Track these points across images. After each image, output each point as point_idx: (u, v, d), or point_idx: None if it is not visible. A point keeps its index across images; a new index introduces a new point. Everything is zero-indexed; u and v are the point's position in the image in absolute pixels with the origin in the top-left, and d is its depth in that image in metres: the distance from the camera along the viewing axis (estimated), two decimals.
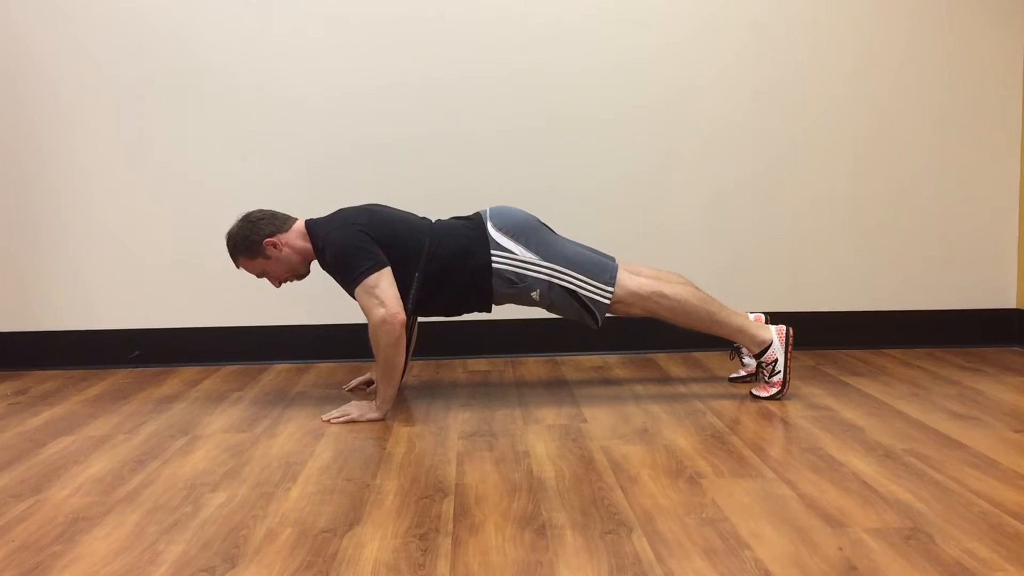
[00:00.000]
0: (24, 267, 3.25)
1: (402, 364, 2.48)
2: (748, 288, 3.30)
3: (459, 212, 3.21)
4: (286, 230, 2.57)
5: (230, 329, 3.27)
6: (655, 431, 2.32)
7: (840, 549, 1.57)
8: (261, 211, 2.60)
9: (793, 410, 2.50)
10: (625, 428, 2.36)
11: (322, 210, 3.21)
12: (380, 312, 2.39)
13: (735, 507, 1.78)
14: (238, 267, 2.63)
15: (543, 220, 2.67)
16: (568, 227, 3.25)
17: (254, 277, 2.66)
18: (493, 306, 2.62)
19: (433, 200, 3.22)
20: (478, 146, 3.24)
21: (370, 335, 2.42)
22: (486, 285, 2.54)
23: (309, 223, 2.59)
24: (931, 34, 3.26)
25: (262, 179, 3.23)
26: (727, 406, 2.56)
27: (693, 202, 3.30)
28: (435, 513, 1.78)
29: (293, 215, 2.63)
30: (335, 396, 2.78)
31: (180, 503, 1.87)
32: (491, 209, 2.63)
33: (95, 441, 2.34)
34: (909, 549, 1.56)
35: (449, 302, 2.63)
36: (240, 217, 2.59)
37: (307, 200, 3.21)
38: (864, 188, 3.32)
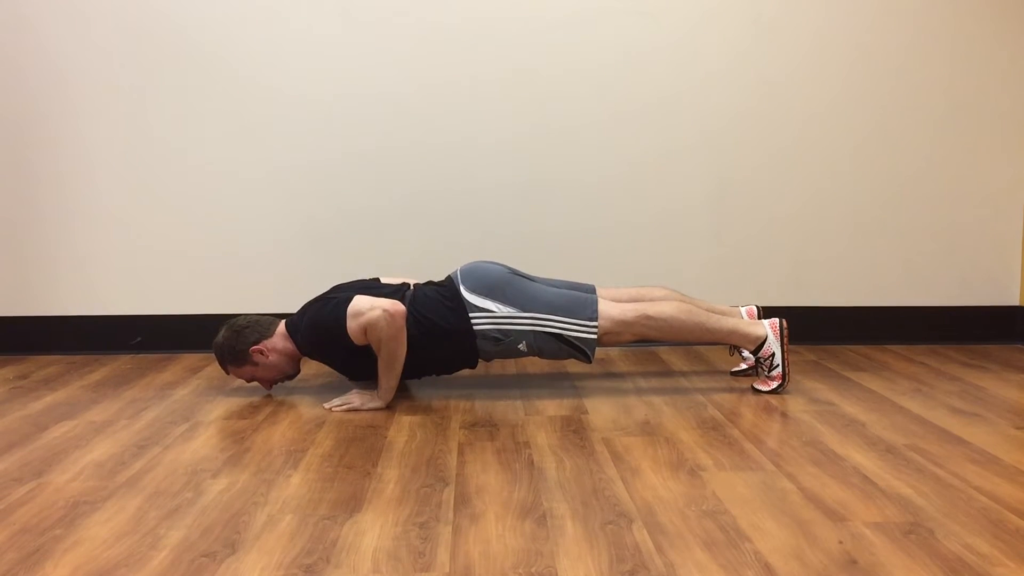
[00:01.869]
0: (27, 252, 3.25)
1: (403, 356, 2.48)
2: (750, 282, 3.30)
3: (460, 209, 3.24)
4: (270, 335, 2.59)
5: (233, 316, 3.26)
6: (656, 423, 2.32)
7: (840, 543, 1.57)
8: (246, 318, 2.64)
9: (794, 404, 2.49)
10: (626, 420, 2.36)
11: (322, 204, 3.24)
12: (376, 312, 2.39)
13: (735, 499, 1.78)
14: (228, 374, 2.67)
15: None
16: (570, 223, 3.26)
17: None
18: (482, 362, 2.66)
19: (434, 197, 3.24)
20: (479, 140, 3.23)
21: (371, 336, 2.43)
22: (471, 347, 2.56)
23: (288, 323, 2.62)
24: (935, 29, 3.24)
25: (265, 169, 3.22)
26: (728, 399, 2.56)
27: (695, 196, 3.29)
28: (436, 502, 1.78)
29: (278, 318, 2.66)
30: (337, 384, 2.79)
31: (181, 488, 1.87)
32: (461, 271, 2.63)
33: (97, 426, 2.34)
34: (909, 543, 1.56)
35: (438, 366, 2.67)
36: (226, 326, 2.62)
37: (308, 193, 3.23)
38: (867, 183, 3.31)
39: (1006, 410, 2.43)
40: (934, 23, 3.24)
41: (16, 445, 2.19)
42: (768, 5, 3.22)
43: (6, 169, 3.22)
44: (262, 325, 2.61)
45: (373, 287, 2.63)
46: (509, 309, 2.54)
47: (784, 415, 2.40)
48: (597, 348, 2.58)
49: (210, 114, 3.21)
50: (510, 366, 3.03)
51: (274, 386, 2.69)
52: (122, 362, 3.13)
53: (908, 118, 3.28)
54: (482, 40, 3.20)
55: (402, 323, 2.41)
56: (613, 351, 3.23)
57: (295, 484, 1.90)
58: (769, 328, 2.58)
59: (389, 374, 2.47)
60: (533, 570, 1.48)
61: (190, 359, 3.17)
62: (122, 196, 3.23)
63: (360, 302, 2.44)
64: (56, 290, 3.27)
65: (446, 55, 3.20)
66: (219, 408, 2.52)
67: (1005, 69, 3.26)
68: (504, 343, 2.55)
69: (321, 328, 2.50)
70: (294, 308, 3.13)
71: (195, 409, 2.51)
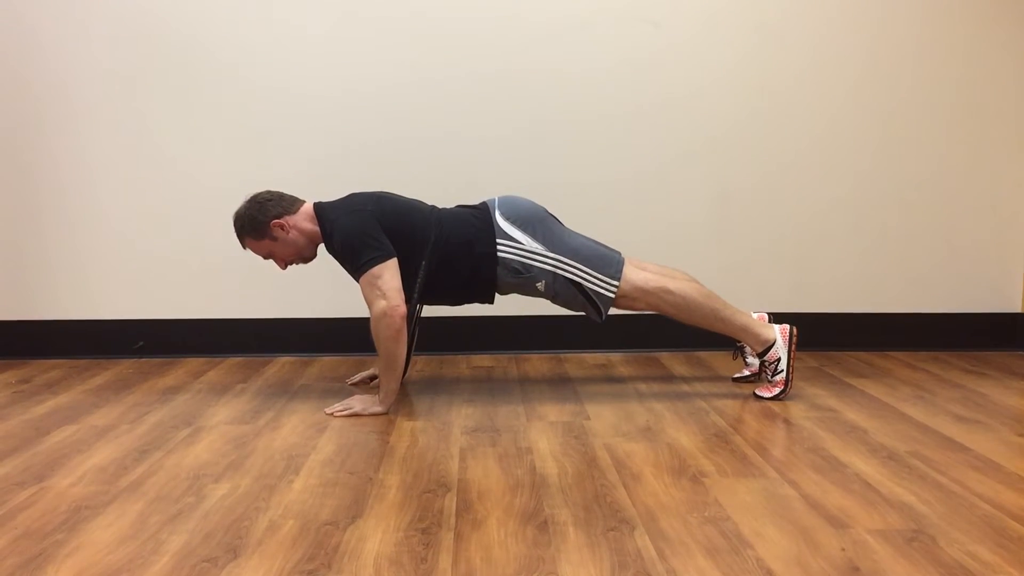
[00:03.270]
0: (29, 257, 3.26)
1: (403, 357, 2.47)
2: (753, 288, 3.30)
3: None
4: (294, 212, 2.56)
5: (234, 321, 3.27)
6: (658, 429, 2.32)
7: (843, 550, 1.57)
8: (269, 192, 2.59)
9: (796, 410, 2.49)
10: (628, 426, 2.36)
11: None
12: (381, 304, 2.39)
13: (738, 506, 1.77)
14: (244, 247, 2.62)
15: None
16: (574, 224, 3.26)
17: (259, 266, 2.66)
18: (496, 298, 2.62)
19: (437, 199, 3.23)
20: (483, 144, 3.24)
21: (371, 327, 2.42)
22: (491, 274, 2.53)
23: (318, 206, 2.59)
24: (938, 37, 3.25)
25: (266, 172, 3.22)
26: (730, 405, 2.56)
27: (699, 201, 3.29)
28: (437, 508, 1.78)
29: (302, 198, 2.62)
30: (339, 390, 2.79)
31: (183, 493, 1.87)
32: (499, 198, 2.62)
33: (99, 430, 2.34)
34: (912, 551, 1.56)
35: (454, 291, 2.62)
36: (248, 198, 2.58)
37: (309, 196, 3.22)
38: (870, 190, 3.31)
39: (1008, 417, 2.43)
40: (937, 31, 3.25)
41: (18, 449, 2.19)
42: (771, 12, 3.22)
43: (7, 174, 3.22)
44: (286, 200, 2.57)
45: (406, 210, 2.56)
46: (537, 245, 2.53)
47: (786, 421, 2.40)
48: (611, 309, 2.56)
49: (211, 118, 3.21)
50: (512, 370, 3.03)
51: (288, 267, 2.63)
52: (124, 366, 3.13)
53: (911, 126, 3.29)
54: (484, 46, 3.21)
55: (401, 324, 2.41)
56: (615, 356, 3.23)
57: (297, 489, 1.90)
58: (779, 333, 2.58)
59: (389, 376, 2.47)
60: None
61: (192, 363, 3.17)
62: (124, 200, 3.24)
63: (380, 275, 2.40)
64: (58, 294, 3.27)
65: (447, 61, 3.21)
66: (221, 413, 2.52)
67: (1009, 76, 3.26)
68: (524, 277, 2.53)
69: (344, 247, 2.46)
70: (297, 313, 3.15)
71: (197, 414, 2.51)
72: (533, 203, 2.63)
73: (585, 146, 3.26)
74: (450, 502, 1.81)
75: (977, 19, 3.24)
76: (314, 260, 2.66)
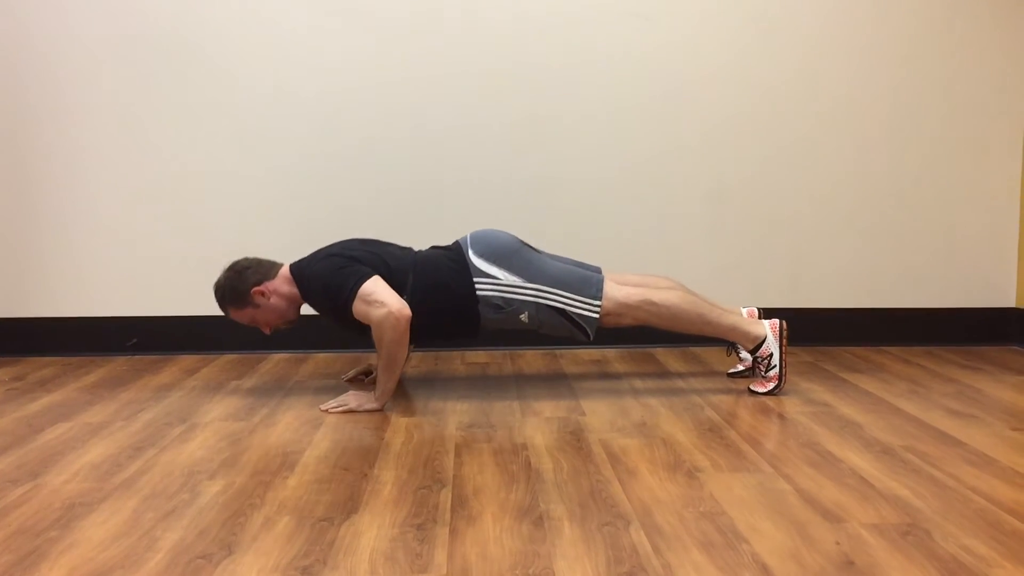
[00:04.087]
0: (23, 254, 3.25)
1: (404, 358, 2.47)
2: (748, 284, 3.30)
3: (458, 208, 3.23)
4: (272, 277, 2.57)
5: (229, 318, 3.26)
6: (653, 425, 2.32)
7: (837, 544, 1.57)
8: (247, 260, 2.61)
9: (791, 406, 2.50)
10: (623, 421, 2.36)
11: (320, 204, 3.23)
12: (383, 311, 2.37)
13: (733, 501, 1.77)
14: (228, 317, 2.64)
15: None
16: (568, 223, 3.26)
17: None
18: (481, 331, 2.60)
19: (433, 197, 3.23)
20: (476, 143, 3.23)
21: (374, 333, 2.41)
22: (473, 313, 2.53)
23: (294, 267, 2.59)
24: (933, 32, 3.25)
25: (261, 169, 3.22)
26: (725, 401, 2.56)
27: (694, 197, 3.29)
28: (433, 503, 1.78)
29: (280, 261, 2.63)
30: (333, 386, 2.78)
31: (177, 490, 1.87)
32: (471, 236, 2.62)
33: (93, 428, 2.34)
34: (907, 545, 1.56)
35: (438, 332, 2.63)
36: (227, 267, 2.60)
37: (306, 193, 3.22)
38: (865, 185, 3.31)
39: (1002, 411, 2.43)
40: (932, 26, 3.25)
41: (12, 447, 2.18)
42: (765, 6, 3.22)
43: (1, 172, 3.21)
44: (264, 267, 2.58)
45: (380, 253, 2.57)
46: (514, 278, 2.52)
47: (781, 416, 2.40)
48: (596, 335, 2.56)
49: (206, 115, 3.20)
50: (507, 366, 3.03)
51: (272, 331, 2.65)
52: (118, 364, 3.13)
53: (906, 120, 3.29)
54: (481, 41, 3.20)
55: (406, 327, 2.40)
56: (610, 352, 3.23)
57: (292, 486, 1.89)
58: (769, 328, 2.58)
59: (387, 376, 2.46)
60: (530, 571, 1.47)
61: (186, 361, 3.16)
62: (117, 198, 3.23)
63: (372, 290, 2.39)
64: (52, 292, 3.26)
65: (443, 56, 3.20)
66: (215, 410, 2.51)
67: (1003, 72, 3.27)
68: (506, 311, 2.53)
69: (327, 289, 2.47)
70: None
71: (191, 411, 2.51)
72: (506, 234, 2.63)
73: (578, 142, 3.25)
74: (445, 498, 1.81)
75: (973, 14, 3.24)
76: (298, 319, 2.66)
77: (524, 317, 2.54)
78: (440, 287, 2.51)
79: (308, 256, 2.61)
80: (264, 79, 3.19)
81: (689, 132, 3.27)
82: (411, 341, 2.58)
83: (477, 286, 2.51)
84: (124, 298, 3.26)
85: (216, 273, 2.60)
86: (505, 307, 2.52)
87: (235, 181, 3.23)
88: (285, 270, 2.60)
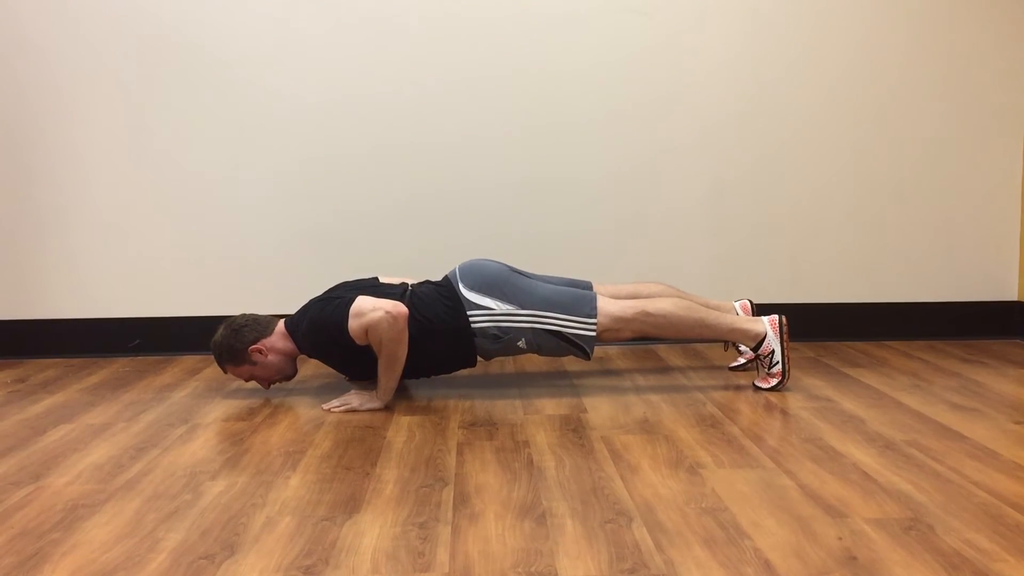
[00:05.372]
0: (25, 256, 3.25)
1: (404, 356, 2.47)
2: (748, 279, 3.29)
3: (458, 209, 3.23)
4: (269, 334, 2.59)
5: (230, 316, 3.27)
6: (655, 421, 2.32)
7: (840, 539, 1.57)
8: (244, 317, 2.62)
9: (793, 401, 2.49)
10: (625, 418, 2.35)
11: (321, 205, 3.23)
12: (378, 314, 2.38)
13: (735, 497, 1.77)
14: (225, 373, 2.66)
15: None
16: (567, 221, 3.26)
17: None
18: (481, 360, 2.63)
19: (432, 197, 3.23)
20: (476, 139, 3.23)
21: (371, 337, 2.42)
22: (470, 345, 2.55)
23: (288, 322, 2.61)
24: (932, 25, 3.24)
25: (263, 171, 3.22)
26: (727, 396, 2.56)
27: (693, 193, 3.29)
28: (435, 502, 1.78)
29: (277, 317, 2.65)
30: (335, 385, 2.78)
31: (180, 491, 1.87)
32: (460, 268, 2.62)
33: (95, 429, 2.34)
34: (909, 539, 1.56)
35: (437, 366, 2.65)
36: (224, 324, 2.61)
37: (307, 194, 3.22)
38: (865, 179, 3.30)
39: (1005, 405, 2.43)
40: (931, 19, 3.24)
41: (14, 448, 2.19)
42: (764, 1, 3.21)
43: (2, 173, 3.21)
44: (261, 324, 2.60)
45: (374, 287, 2.62)
46: (508, 306, 2.53)
47: (783, 412, 2.40)
48: (596, 346, 2.57)
49: (207, 116, 3.20)
50: (508, 365, 3.03)
51: (272, 386, 2.68)
52: (120, 365, 3.13)
53: (905, 114, 3.28)
54: (478, 39, 3.20)
55: (404, 325, 2.40)
56: (611, 349, 3.23)
57: (294, 485, 1.89)
58: (768, 325, 2.58)
59: (389, 375, 2.47)
60: (533, 569, 1.47)
61: (188, 361, 3.16)
62: (119, 199, 3.23)
63: (362, 302, 2.43)
64: (54, 293, 3.26)
65: (443, 55, 3.20)
66: (217, 410, 2.52)
67: (1003, 64, 3.26)
68: (503, 340, 2.54)
69: (322, 327, 2.49)
70: (292, 310, 3.12)
71: (193, 411, 2.51)
72: (494, 263, 2.63)
73: (577, 140, 3.25)
74: (447, 496, 1.81)
75: (970, 9, 3.23)
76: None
77: (522, 343, 2.56)
78: (435, 324, 2.52)
79: (300, 309, 2.63)
80: (266, 81, 3.19)
81: (688, 128, 3.26)
82: (408, 376, 2.60)
83: (472, 319, 2.52)
84: (126, 299, 3.26)
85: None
86: (502, 336, 2.54)
87: (237, 183, 3.23)
88: (281, 326, 2.61)
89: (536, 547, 1.56)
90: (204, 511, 1.75)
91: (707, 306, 2.66)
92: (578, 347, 2.56)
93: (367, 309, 2.40)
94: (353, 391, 2.58)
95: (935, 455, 2.01)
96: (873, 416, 2.33)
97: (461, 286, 2.56)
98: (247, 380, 2.66)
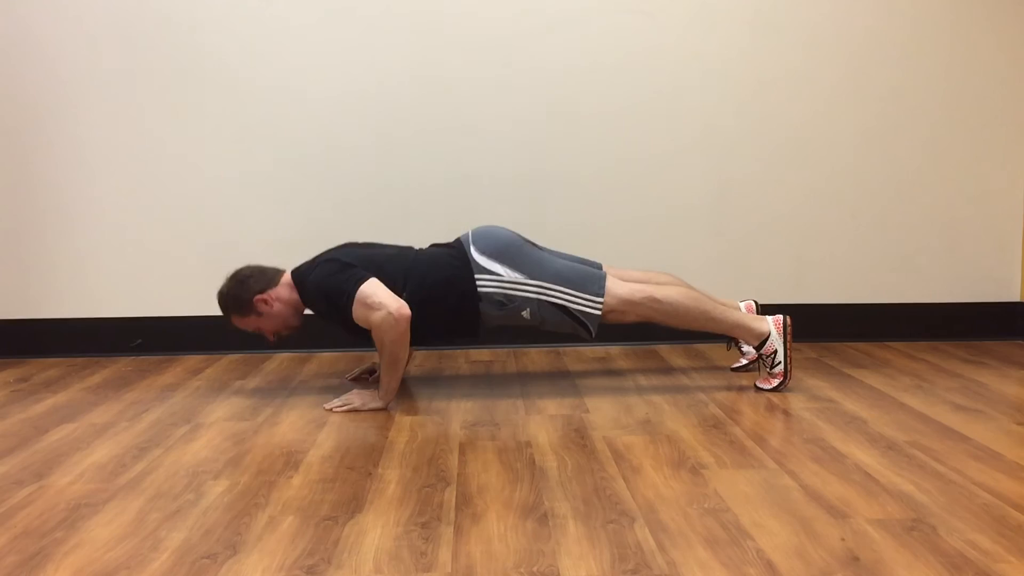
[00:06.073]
0: (27, 256, 3.25)
1: (406, 357, 2.47)
2: (751, 279, 3.29)
3: (460, 206, 3.23)
4: (275, 284, 2.58)
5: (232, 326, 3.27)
6: (657, 421, 2.32)
7: (842, 540, 1.57)
8: (249, 268, 2.61)
9: (795, 401, 2.49)
10: (627, 418, 2.35)
11: (321, 203, 3.23)
12: (381, 313, 2.37)
13: (737, 497, 1.77)
14: (231, 325, 2.65)
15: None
16: (570, 220, 3.26)
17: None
18: (483, 331, 2.60)
19: (433, 195, 3.23)
20: (478, 139, 3.23)
21: (374, 335, 2.41)
22: (474, 310, 2.53)
23: (294, 273, 2.60)
24: (934, 26, 3.24)
25: (263, 168, 3.22)
26: (729, 397, 2.56)
27: (696, 193, 3.29)
28: (437, 502, 1.78)
29: (281, 267, 2.65)
30: (337, 385, 2.78)
31: (182, 491, 1.87)
32: (473, 232, 2.61)
33: (97, 428, 2.34)
34: (912, 540, 1.56)
35: (439, 330, 2.62)
36: (229, 276, 2.61)
37: (307, 192, 3.22)
38: (868, 180, 3.30)
39: (1007, 406, 2.43)
40: (933, 20, 3.24)
41: (17, 448, 2.19)
42: (766, 1, 3.21)
43: (5, 173, 3.22)
44: (267, 275, 2.59)
45: (375, 256, 2.57)
46: (517, 275, 2.52)
47: (785, 412, 2.40)
48: (599, 332, 2.56)
49: (208, 116, 3.21)
50: (510, 365, 3.03)
51: (276, 338, 2.65)
52: (122, 364, 3.13)
53: (908, 114, 3.28)
54: (481, 38, 3.20)
55: (406, 327, 2.40)
56: (613, 349, 3.23)
57: (296, 485, 1.89)
58: (773, 325, 2.58)
59: (390, 375, 2.47)
60: (535, 569, 1.47)
61: (190, 361, 3.16)
62: (121, 198, 3.23)
63: (370, 292, 2.39)
64: (56, 293, 3.26)
65: (444, 53, 3.20)
66: (220, 410, 2.52)
67: (1005, 64, 3.26)
68: (508, 308, 2.53)
69: (327, 295, 2.47)
70: None
71: (196, 411, 2.51)
72: (508, 231, 2.62)
73: (581, 138, 3.25)
74: (450, 496, 1.81)
75: (972, 9, 3.23)
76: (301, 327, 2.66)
77: (526, 314, 2.54)
78: (441, 284, 2.51)
79: (308, 262, 2.61)
80: (270, 80, 3.19)
81: (691, 128, 3.26)
82: (412, 341, 2.59)
83: (479, 283, 2.51)
84: (128, 299, 3.27)
85: (220, 272, 2.60)
86: (507, 303, 2.52)
87: (239, 181, 3.23)
88: (287, 277, 2.61)
89: (538, 547, 1.56)
90: (207, 511, 1.76)
91: (715, 302, 2.66)
92: (582, 324, 2.54)
93: (373, 303, 2.38)
94: (355, 391, 2.58)
95: (937, 456, 2.00)
96: (875, 417, 2.33)
97: (473, 249, 2.55)
98: (252, 331, 2.64)
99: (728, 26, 3.22)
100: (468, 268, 2.53)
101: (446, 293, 2.51)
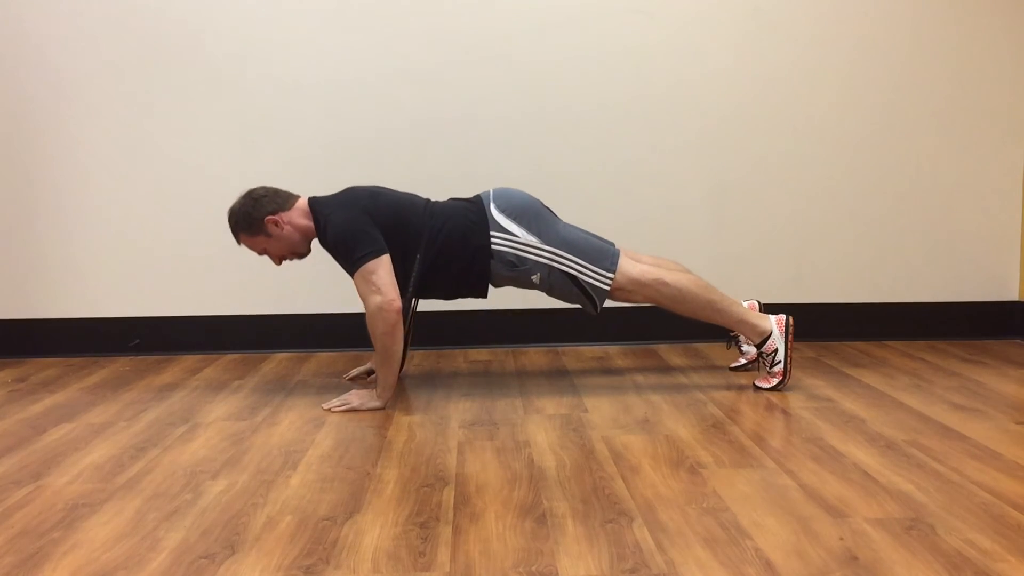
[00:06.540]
0: (25, 256, 3.25)
1: (400, 351, 2.47)
2: (751, 279, 3.29)
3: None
4: (288, 208, 2.56)
5: (231, 317, 3.27)
6: (656, 421, 2.32)
7: (841, 539, 1.57)
8: (264, 188, 2.58)
9: (794, 401, 2.49)
10: (626, 418, 2.35)
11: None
12: (376, 299, 2.38)
13: (736, 497, 1.77)
14: (239, 243, 2.61)
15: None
16: (571, 216, 3.25)
17: (254, 263, 2.65)
18: (490, 291, 2.61)
19: (436, 189, 3.22)
20: (478, 135, 3.23)
21: (367, 323, 2.42)
22: (485, 266, 2.53)
23: (312, 201, 2.58)
24: (934, 26, 3.24)
25: (262, 167, 3.21)
26: (728, 396, 2.55)
27: (696, 192, 3.29)
28: (435, 502, 1.78)
29: (297, 193, 2.62)
30: (336, 385, 2.78)
31: (180, 490, 1.87)
32: (494, 191, 2.61)
33: (95, 428, 2.34)
34: (910, 539, 1.56)
35: (449, 284, 2.61)
36: (243, 193, 2.57)
37: (309, 190, 3.22)
38: (867, 179, 3.30)
39: (1006, 405, 2.43)
40: (933, 21, 3.24)
41: (15, 448, 2.19)
42: (765, 1, 3.21)
43: (3, 173, 3.21)
44: (280, 196, 2.57)
45: (397, 209, 2.54)
46: (532, 237, 2.52)
47: (784, 412, 2.40)
48: (602, 315, 2.56)
49: (207, 115, 3.20)
50: (509, 364, 3.03)
51: (283, 262, 2.64)
52: (120, 364, 3.13)
53: (907, 114, 3.28)
54: (482, 38, 3.20)
55: (396, 319, 2.40)
56: (612, 348, 3.23)
57: (294, 485, 1.89)
58: (775, 324, 2.58)
59: (386, 370, 2.46)
60: (534, 569, 1.47)
61: (188, 361, 3.16)
62: (119, 198, 3.23)
63: (374, 271, 2.39)
64: (54, 293, 3.26)
65: (445, 54, 3.20)
66: (218, 409, 2.52)
67: (1005, 64, 3.26)
68: (518, 270, 2.53)
69: (340, 244, 2.46)
70: (294, 309, 3.14)
71: (194, 410, 2.51)
72: (528, 195, 2.62)
73: (581, 137, 3.25)
74: (448, 496, 1.81)
75: (972, 10, 3.23)
76: (308, 256, 2.65)
77: (535, 278, 2.54)
78: (458, 236, 2.52)
79: (329, 196, 2.58)
80: (267, 77, 3.19)
81: (691, 128, 3.26)
82: (420, 294, 2.59)
83: (493, 239, 2.51)
84: (126, 298, 3.26)
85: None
86: (518, 264, 2.52)
87: (237, 180, 3.20)
88: (303, 202, 2.58)
89: (537, 547, 1.55)
90: (205, 510, 1.75)
91: (721, 295, 2.66)
92: (589, 298, 2.54)
93: (372, 281, 2.38)
94: (353, 391, 2.58)
95: (936, 455, 2.00)
96: (874, 416, 2.33)
97: (493, 207, 2.55)
98: (259, 253, 2.61)
99: (728, 26, 3.22)
100: (485, 224, 2.52)
101: (461, 246, 2.52)
